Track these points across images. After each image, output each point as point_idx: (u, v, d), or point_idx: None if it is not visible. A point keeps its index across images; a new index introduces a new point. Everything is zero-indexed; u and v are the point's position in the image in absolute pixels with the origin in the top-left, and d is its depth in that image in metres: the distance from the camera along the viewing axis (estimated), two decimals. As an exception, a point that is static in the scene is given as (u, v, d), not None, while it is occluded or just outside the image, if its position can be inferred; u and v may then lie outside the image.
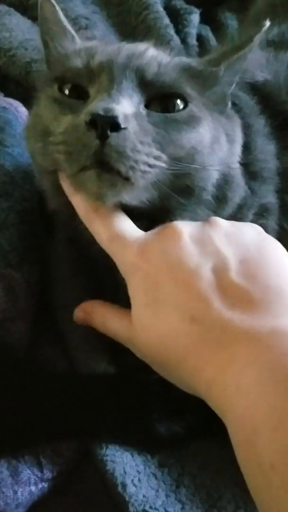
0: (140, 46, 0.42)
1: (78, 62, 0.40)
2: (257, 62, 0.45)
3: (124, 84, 0.38)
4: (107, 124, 0.34)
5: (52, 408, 0.41)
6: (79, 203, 0.40)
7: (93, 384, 0.43)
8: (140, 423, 0.41)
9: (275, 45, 0.53)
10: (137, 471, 0.40)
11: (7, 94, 0.62)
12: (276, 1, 0.66)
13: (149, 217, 0.40)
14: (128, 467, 0.40)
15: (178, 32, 0.74)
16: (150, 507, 0.38)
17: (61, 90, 0.40)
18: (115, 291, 0.43)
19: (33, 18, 0.70)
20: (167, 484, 0.40)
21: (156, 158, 0.36)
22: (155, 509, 0.38)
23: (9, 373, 0.42)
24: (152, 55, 0.40)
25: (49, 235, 0.50)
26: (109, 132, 0.34)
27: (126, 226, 0.39)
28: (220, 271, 0.36)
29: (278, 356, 0.31)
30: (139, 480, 0.40)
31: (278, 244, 0.39)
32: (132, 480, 0.39)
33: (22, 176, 0.50)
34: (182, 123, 0.38)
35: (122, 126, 0.35)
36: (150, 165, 0.36)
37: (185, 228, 0.38)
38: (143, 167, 0.36)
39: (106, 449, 0.41)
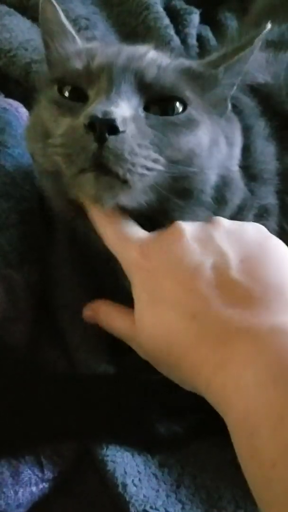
0: (140, 49, 0.42)
1: (78, 64, 0.40)
2: (257, 64, 0.45)
3: (123, 86, 0.38)
4: (105, 127, 0.34)
5: (52, 408, 0.41)
6: (91, 206, 0.40)
7: (93, 384, 0.43)
8: (140, 423, 0.41)
9: (275, 45, 0.53)
10: (138, 471, 0.40)
11: (7, 95, 0.62)
12: (276, 1, 0.66)
13: (148, 218, 0.40)
14: (128, 467, 0.40)
15: (178, 32, 0.74)
16: (151, 507, 0.38)
17: (61, 91, 0.41)
18: (115, 291, 0.44)
19: (33, 19, 0.70)
20: (167, 484, 0.40)
21: (154, 161, 0.37)
22: (156, 509, 0.39)
23: (9, 374, 0.42)
24: (151, 58, 0.41)
25: (49, 235, 0.50)
26: (107, 135, 0.35)
27: (131, 227, 0.40)
28: (220, 269, 0.36)
29: (277, 354, 0.31)
30: (139, 480, 0.40)
31: (280, 242, 0.40)
32: (132, 480, 0.40)
33: (22, 177, 0.50)
34: (181, 126, 0.38)
35: (120, 129, 0.35)
36: (148, 168, 0.36)
37: (187, 227, 0.39)
38: (141, 170, 0.36)
39: (106, 449, 0.41)
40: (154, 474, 0.41)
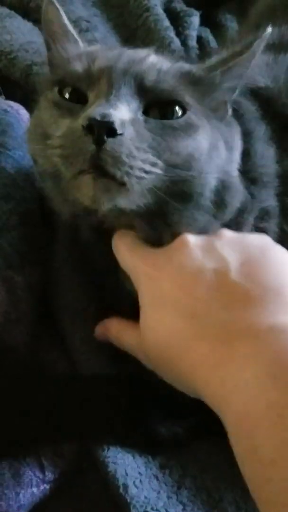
0: (141, 53, 0.42)
1: (78, 66, 0.40)
2: (257, 66, 0.45)
3: (123, 90, 0.38)
4: (104, 130, 0.35)
5: (53, 409, 0.41)
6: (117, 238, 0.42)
7: (94, 385, 0.43)
8: (140, 424, 0.41)
9: (275, 47, 0.53)
10: (139, 473, 0.40)
11: (8, 97, 0.62)
12: (275, 3, 0.66)
13: (147, 222, 0.40)
14: (129, 469, 0.40)
15: (178, 34, 0.74)
16: (152, 509, 0.39)
17: (61, 93, 0.41)
18: (116, 292, 0.44)
19: (34, 21, 0.70)
20: (168, 486, 0.40)
21: (152, 164, 0.37)
22: (157, 510, 0.39)
23: (10, 374, 0.42)
24: (152, 62, 0.41)
25: (50, 236, 0.50)
26: (105, 138, 0.35)
27: (143, 246, 0.41)
28: (221, 272, 0.37)
29: (276, 353, 0.32)
30: (140, 481, 0.40)
31: (282, 249, 0.40)
32: (133, 482, 0.40)
33: (23, 179, 0.50)
34: (180, 130, 0.38)
35: (119, 132, 0.35)
36: (146, 171, 0.36)
37: (191, 238, 0.40)
38: (139, 173, 0.36)
39: (107, 450, 0.41)
40: (155, 476, 0.41)
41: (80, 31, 0.68)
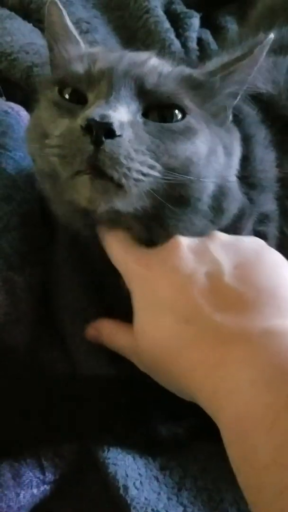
0: (142, 55, 0.42)
1: (79, 67, 0.40)
2: (257, 71, 0.45)
3: (123, 91, 0.38)
4: (102, 130, 0.35)
5: (53, 409, 0.41)
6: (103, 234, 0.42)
7: (94, 386, 0.43)
8: (141, 424, 0.41)
9: (274, 49, 0.53)
10: (139, 474, 0.40)
11: (9, 98, 0.62)
12: (275, 5, 0.66)
13: (144, 225, 0.40)
14: (129, 470, 0.40)
15: (178, 36, 0.75)
16: (152, 510, 0.38)
17: (61, 93, 0.41)
18: (115, 293, 0.44)
19: (35, 22, 0.70)
20: (168, 487, 0.40)
21: (150, 167, 0.37)
22: (157, 511, 0.38)
23: (10, 375, 0.42)
24: (153, 65, 0.41)
25: (50, 236, 0.50)
26: (103, 138, 0.35)
27: (135, 245, 0.41)
28: (214, 275, 0.37)
29: (270, 357, 0.32)
30: (140, 483, 0.40)
31: (275, 252, 0.40)
32: (134, 483, 0.40)
33: (24, 180, 0.50)
34: (178, 134, 0.38)
35: (117, 133, 0.35)
36: (143, 174, 0.36)
37: (185, 240, 0.40)
38: (136, 175, 0.36)
39: (107, 451, 0.41)
40: (155, 477, 0.41)
41: (81, 33, 0.68)
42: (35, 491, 0.39)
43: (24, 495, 0.39)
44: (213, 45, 0.78)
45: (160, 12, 0.74)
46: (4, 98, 0.62)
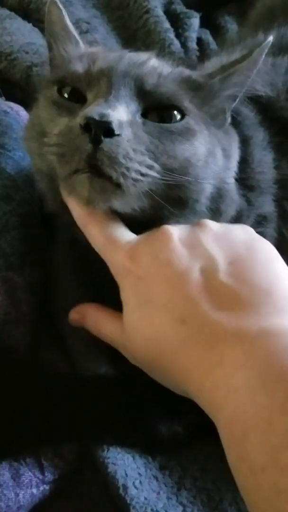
0: (142, 56, 0.42)
1: (79, 67, 0.40)
2: (256, 73, 0.45)
3: (122, 91, 0.38)
4: (101, 129, 0.35)
5: (53, 409, 0.41)
6: (75, 206, 0.40)
7: (94, 386, 0.43)
8: (140, 424, 0.41)
9: (273, 50, 0.53)
10: (138, 474, 0.40)
11: (8, 98, 0.62)
12: (275, 5, 0.66)
13: (142, 225, 0.40)
14: (129, 470, 0.40)
15: (178, 36, 0.75)
16: (152, 510, 0.38)
17: (60, 92, 0.41)
18: (115, 293, 0.44)
19: (34, 22, 0.70)
20: (168, 487, 0.40)
21: (149, 167, 0.37)
22: (157, 511, 0.38)
23: (10, 375, 0.42)
24: (152, 66, 0.41)
25: (49, 236, 0.50)
26: (102, 137, 0.35)
27: (118, 229, 0.39)
28: (208, 272, 0.36)
29: (266, 357, 0.31)
30: (140, 482, 0.40)
31: (267, 243, 0.40)
32: (133, 483, 0.40)
33: (23, 180, 0.51)
34: (177, 135, 0.38)
35: (116, 132, 0.35)
36: (142, 174, 0.36)
37: (175, 231, 0.39)
38: (135, 175, 0.36)
39: (107, 451, 0.41)
40: (155, 476, 0.41)
41: (80, 33, 0.69)
42: (34, 491, 0.39)
43: (23, 495, 0.39)
44: (213, 45, 0.78)
45: (160, 12, 0.74)
46: (3, 98, 0.62)
